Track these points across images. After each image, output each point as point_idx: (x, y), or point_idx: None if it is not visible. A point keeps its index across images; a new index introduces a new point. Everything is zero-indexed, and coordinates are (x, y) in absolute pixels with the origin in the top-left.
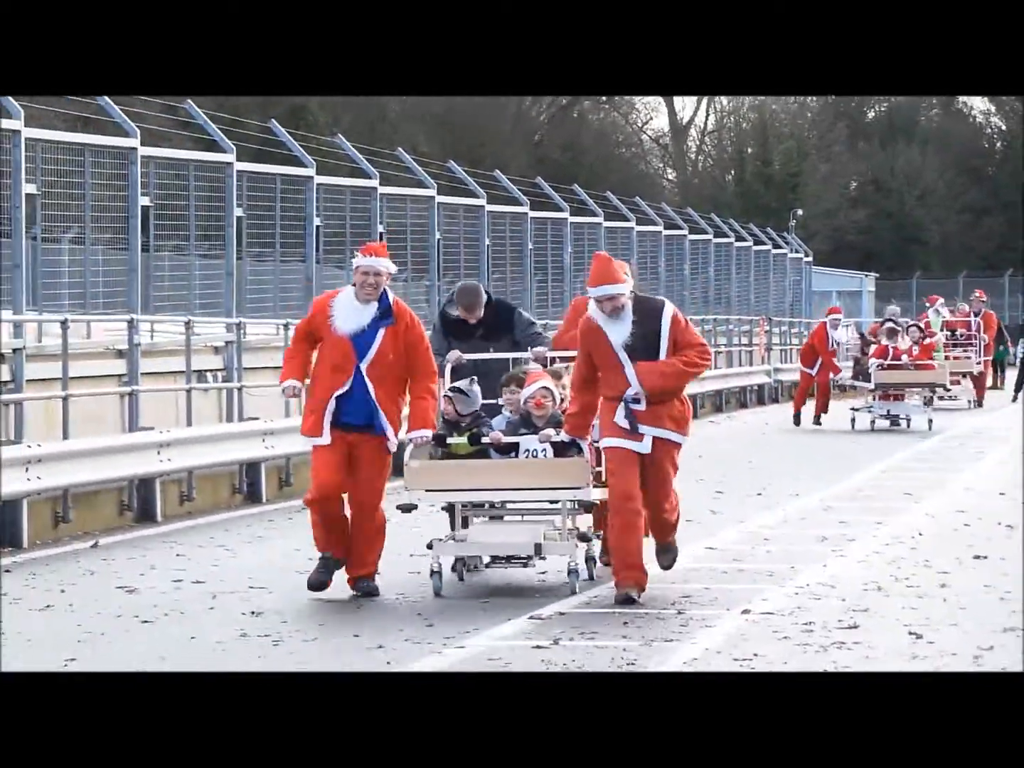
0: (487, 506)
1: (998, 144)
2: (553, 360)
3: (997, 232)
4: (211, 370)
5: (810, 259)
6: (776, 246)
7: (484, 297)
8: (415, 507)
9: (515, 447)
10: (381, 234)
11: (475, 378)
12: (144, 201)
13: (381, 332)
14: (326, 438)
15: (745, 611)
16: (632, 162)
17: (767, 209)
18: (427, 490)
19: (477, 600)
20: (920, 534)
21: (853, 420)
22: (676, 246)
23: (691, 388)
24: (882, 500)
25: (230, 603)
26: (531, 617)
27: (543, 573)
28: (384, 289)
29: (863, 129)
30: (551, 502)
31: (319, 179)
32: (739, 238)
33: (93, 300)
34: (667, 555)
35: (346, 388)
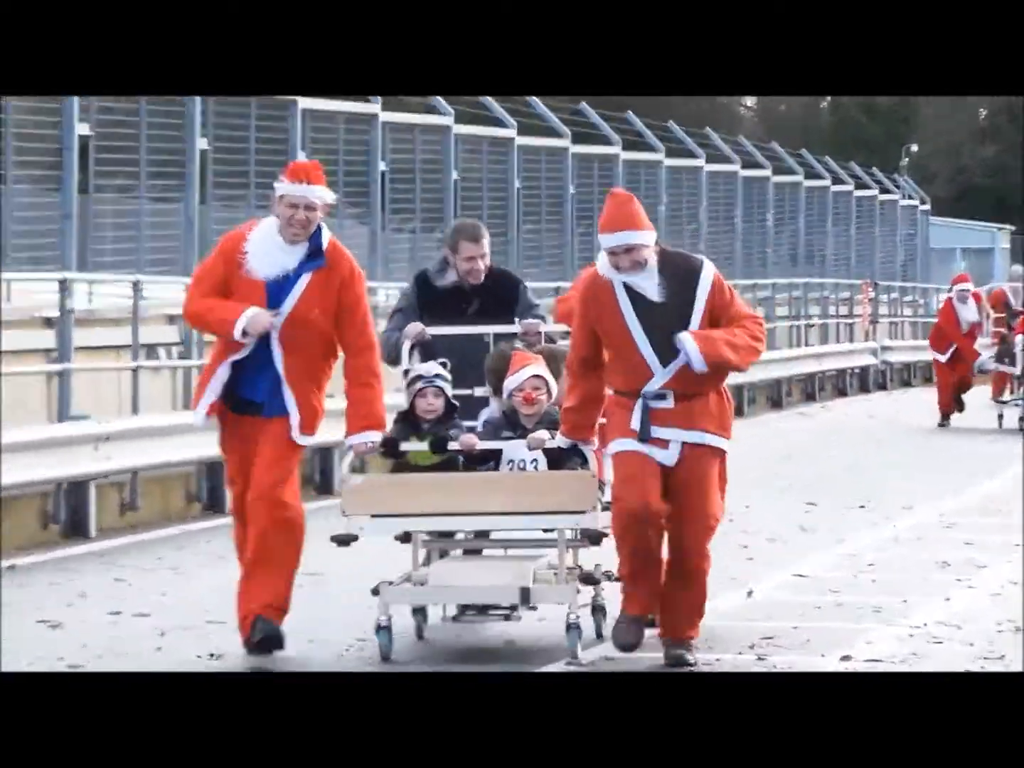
0: (457, 537)
1: None
2: (550, 338)
3: None
4: (164, 344)
5: (927, 207)
6: (884, 191)
7: (488, 240)
8: (355, 538)
9: (495, 456)
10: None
11: (446, 362)
12: (83, 130)
13: (306, 278)
14: (200, 417)
15: (845, 658)
16: None
17: (872, 144)
18: (373, 515)
19: (441, 666)
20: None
21: (1001, 417)
22: (757, 190)
23: (764, 371)
24: (1020, 515)
25: (182, 643)
26: None
27: (539, 622)
28: (319, 225)
29: None
30: (544, 531)
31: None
32: (836, 180)
33: (15, 254)
34: (676, 656)
35: (245, 352)
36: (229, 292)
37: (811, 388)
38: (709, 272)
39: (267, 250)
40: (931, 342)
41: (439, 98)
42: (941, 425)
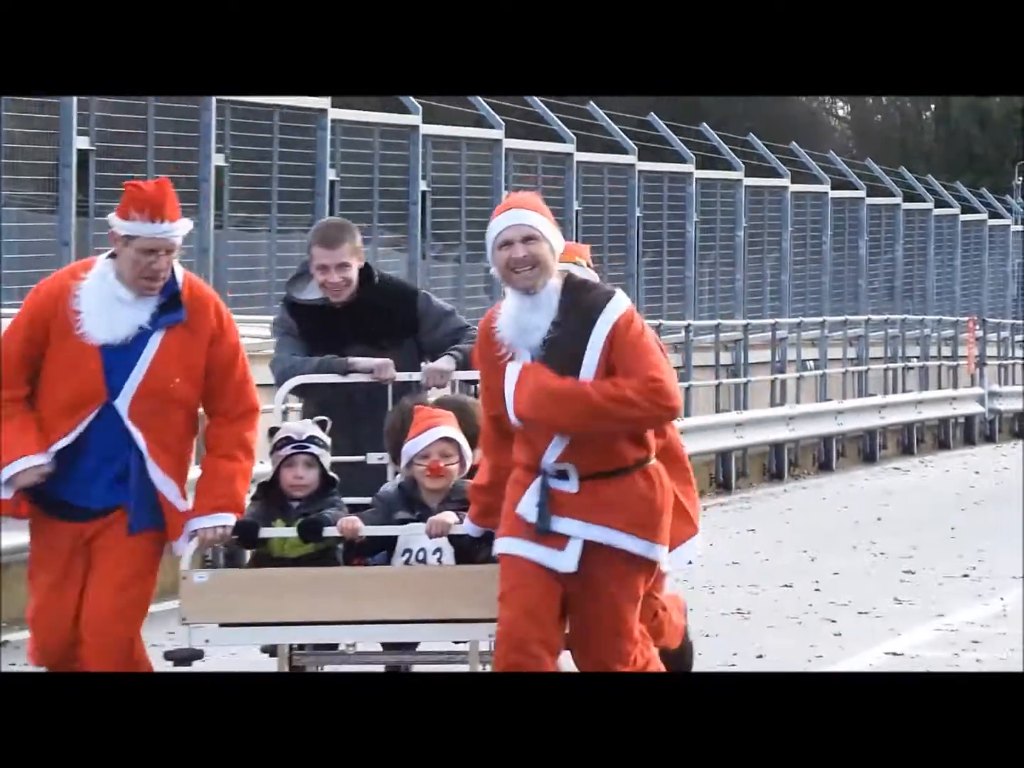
0: (340, 650)
1: None
2: (466, 385)
3: None
4: None
5: None
6: (994, 215)
7: (357, 242)
8: (200, 655)
9: (388, 544)
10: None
11: (325, 420)
12: (82, 143)
13: (158, 337)
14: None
15: None
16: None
17: (983, 161)
18: (223, 624)
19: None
20: None
21: None
22: (849, 213)
23: (856, 420)
24: None
25: None
26: None
27: None
28: (172, 270)
29: None
30: (455, 642)
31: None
32: (940, 203)
33: (7, 286)
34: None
35: (72, 437)
36: (50, 365)
37: (908, 440)
38: (616, 309)
39: (105, 306)
40: None
41: (488, 108)
42: None
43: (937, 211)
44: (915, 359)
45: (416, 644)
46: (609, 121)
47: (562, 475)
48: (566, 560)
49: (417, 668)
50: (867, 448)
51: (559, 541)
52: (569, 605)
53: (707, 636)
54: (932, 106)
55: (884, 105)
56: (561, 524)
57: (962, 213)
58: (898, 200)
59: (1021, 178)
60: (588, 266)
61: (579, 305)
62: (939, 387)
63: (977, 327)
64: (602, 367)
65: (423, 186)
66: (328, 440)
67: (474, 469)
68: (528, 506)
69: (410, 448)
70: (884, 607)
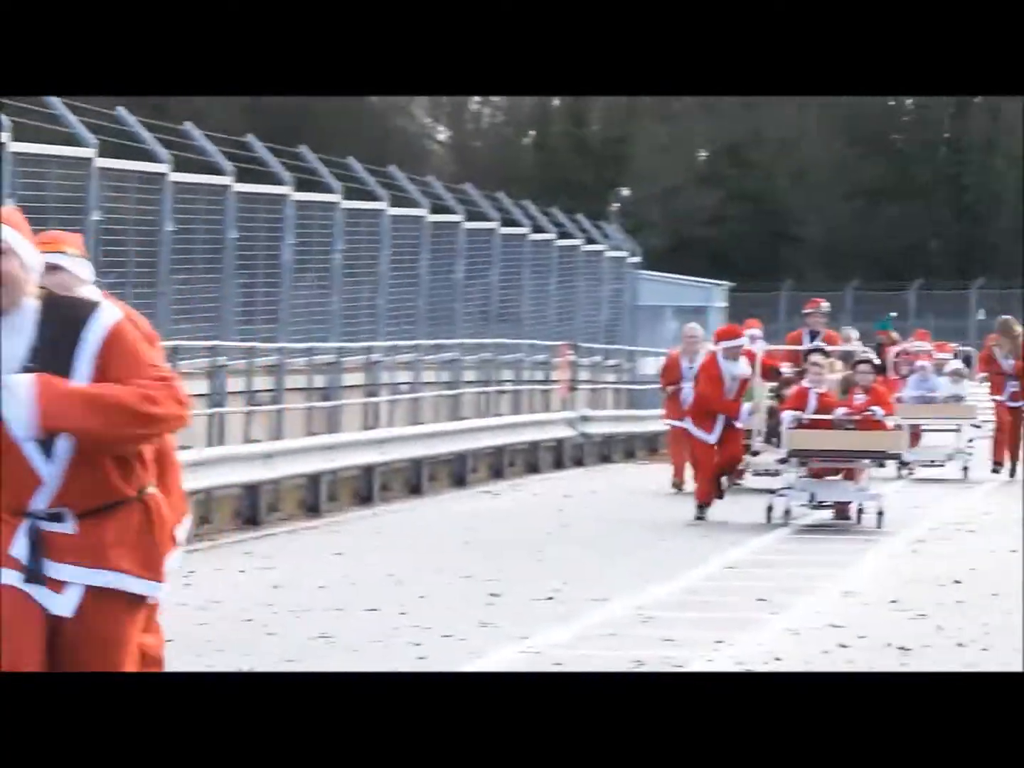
0: None
1: (908, 103)
2: None
3: (903, 226)
4: None
5: (637, 260)
6: (590, 241)
7: None
8: None
9: None
10: None
11: None
12: None
13: None
14: None
15: None
16: (387, 116)
17: (580, 187)
18: None
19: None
20: (777, 659)
21: (770, 509)
22: (446, 237)
23: (447, 443)
24: (726, 609)
25: None
26: None
27: None
28: None
29: None
30: None
31: None
32: (537, 228)
33: None
34: None
35: None
36: None
37: (499, 463)
38: (105, 320)
39: None
40: (691, 414)
41: (81, 126)
42: (699, 518)
43: (533, 236)
44: (508, 383)
45: None
46: (206, 142)
47: (56, 517)
48: (64, 604)
49: None
50: (458, 471)
51: (57, 585)
52: (60, 642)
53: (289, 661)
54: (531, 132)
55: (484, 131)
56: (62, 571)
57: (558, 238)
58: (495, 225)
59: (617, 204)
60: (72, 249)
61: (61, 322)
62: (531, 411)
63: (570, 352)
64: (98, 378)
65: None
66: None
67: None
68: (21, 549)
69: None
70: (468, 630)
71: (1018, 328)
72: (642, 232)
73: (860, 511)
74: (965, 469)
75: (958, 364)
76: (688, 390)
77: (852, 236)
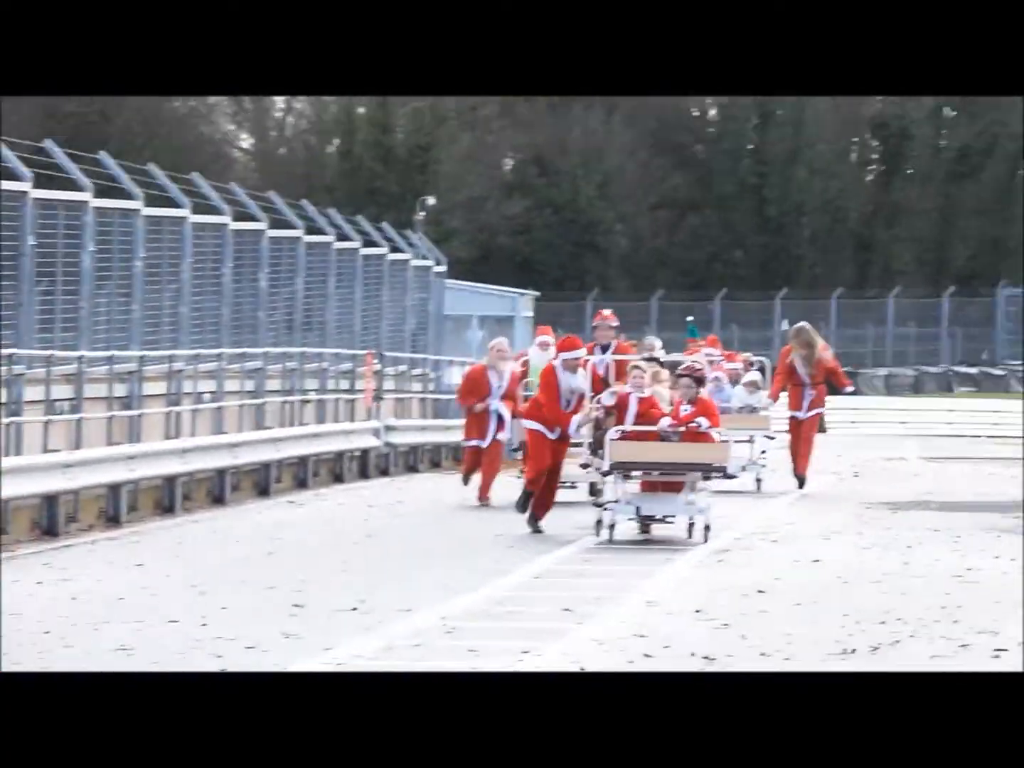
0: None
1: (712, 113)
2: None
3: (707, 237)
4: None
5: (443, 269)
6: (395, 249)
7: None
8: None
9: None
10: None
11: None
12: None
13: None
14: None
15: None
16: (190, 123)
17: (385, 196)
18: None
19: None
20: (582, 669)
21: (599, 523)
22: (250, 245)
23: (251, 453)
24: (531, 619)
25: None
26: None
27: None
28: None
29: None
30: None
31: None
32: (341, 236)
33: None
34: None
35: None
36: None
37: (304, 473)
38: None
39: None
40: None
41: None
42: (536, 531)
43: (338, 244)
44: (313, 392)
45: None
46: (2, 146)
47: None
48: None
49: None
50: (262, 481)
51: None
52: None
53: (87, 673)
54: (336, 140)
55: (288, 139)
56: None
57: (363, 247)
58: (300, 233)
59: (422, 213)
60: None
61: None
62: (336, 420)
63: (375, 361)
64: None
65: None
66: None
67: None
68: None
69: None
70: (271, 641)
71: (814, 336)
72: (448, 241)
73: (692, 525)
74: (758, 481)
75: (755, 375)
76: (496, 405)
77: (657, 246)
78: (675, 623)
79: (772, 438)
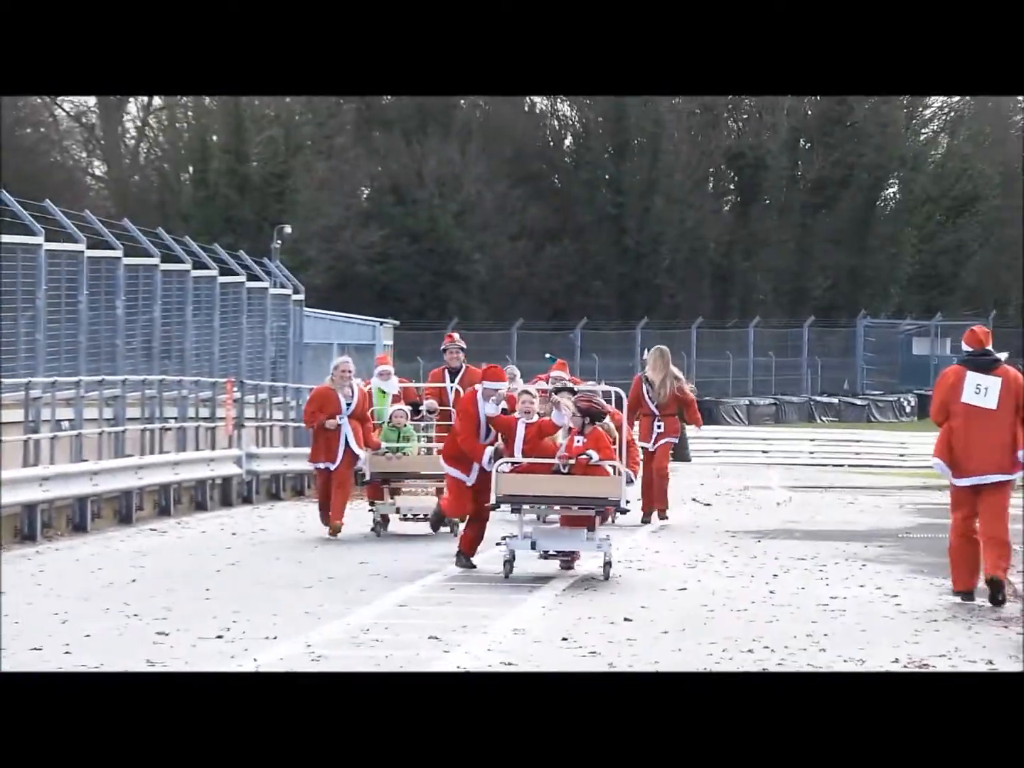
0: None
1: (567, 143)
2: None
3: (566, 266)
4: None
5: (301, 297)
6: (252, 277)
7: None
8: None
9: None
10: None
11: None
12: None
13: None
14: None
15: None
16: (39, 148)
17: (241, 224)
18: None
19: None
20: None
21: (508, 563)
22: (106, 273)
23: (111, 481)
24: (397, 647)
25: None
26: None
27: None
28: None
29: (379, 115)
30: None
31: None
32: (198, 264)
33: None
34: None
35: None
36: None
37: (165, 501)
38: None
39: None
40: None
41: None
42: (468, 567)
43: (195, 272)
44: (173, 420)
45: None
46: None
47: None
48: None
49: None
50: (124, 509)
51: None
52: None
53: None
54: (191, 168)
55: (142, 166)
56: None
57: (221, 275)
58: (156, 261)
59: (280, 241)
60: None
61: None
62: (197, 448)
63: (235, 388)
64: None
65: None
66: None
67: None
68: None
69: None
70: (136, 669)
71: (668, 362)
72: (305, 270)
73: (608, 563)
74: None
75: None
76: (345, 428)
77: (517, 275)
78: (542, 651)
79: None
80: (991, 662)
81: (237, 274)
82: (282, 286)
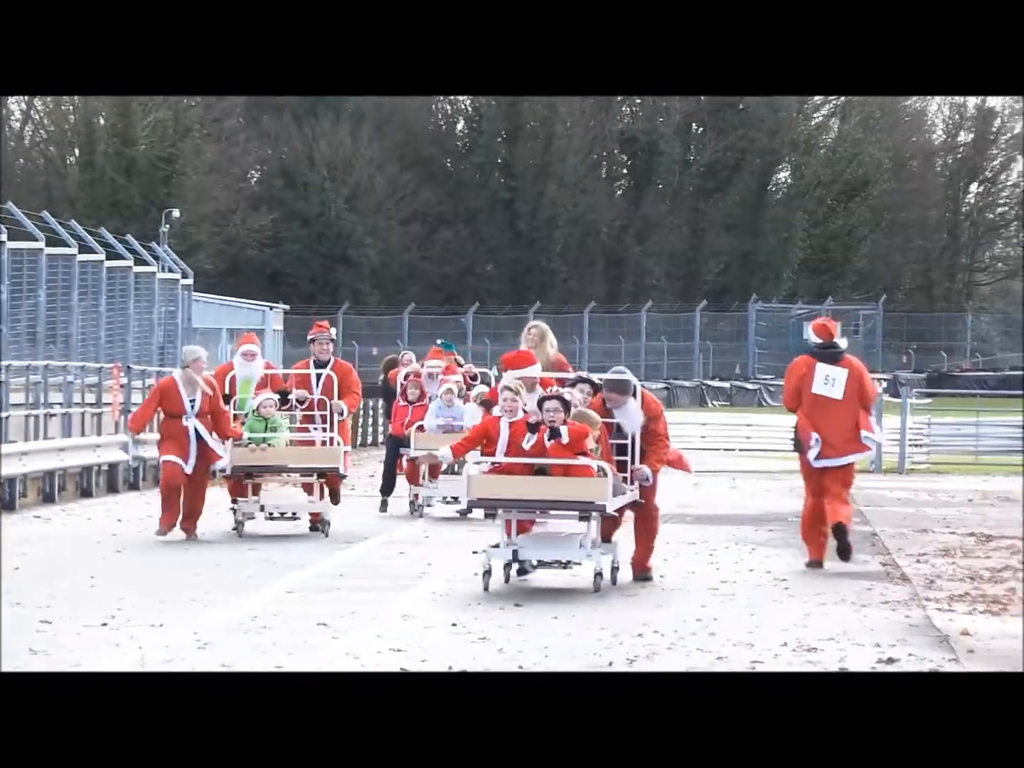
0: None
1: (460, 127)
2: None
3: (459, 251)
4: None
5: (189, 282)
6: (140, 261)
7: None
8: None
9: None
10: None
11: None
12: None
13: None
14: None
15: None
16: None
17: (128, 208)
18: None
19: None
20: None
21: (487, 574)
22: None
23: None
24: (286, 633)
25: None
26: None
27: None
28: None
29: (269, 98)
30: None
31: None
32: (85, 248)
33: None
34: None
35: None
36: None
37: (50, 487)
38: None
39: None
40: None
41: None
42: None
43: (81, 257)
44: (58, 405)
45: None
46: None
47: None
48: None
49: None
50: (7, 496)
51: None
52: None
53: None
54: (77, 151)
55: (27, 149)
56: None
57: (107, 259)
58: (41, 245)
59: (168, 225)
60: None
61: None
62: (83, 434)
63: (122, 374)
64: None
65: None
66: None
67: None
68: None
69: None
70: (18, 657)
71: (548, 337)
72: (195, 254)
73: (599, 574)
74: None
75: (484, 388)
76: (194, 423)
77: (409, 260)
78: (432, 637)
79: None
80: (878, 645)
81: (124, 258)
82: (170, 270)
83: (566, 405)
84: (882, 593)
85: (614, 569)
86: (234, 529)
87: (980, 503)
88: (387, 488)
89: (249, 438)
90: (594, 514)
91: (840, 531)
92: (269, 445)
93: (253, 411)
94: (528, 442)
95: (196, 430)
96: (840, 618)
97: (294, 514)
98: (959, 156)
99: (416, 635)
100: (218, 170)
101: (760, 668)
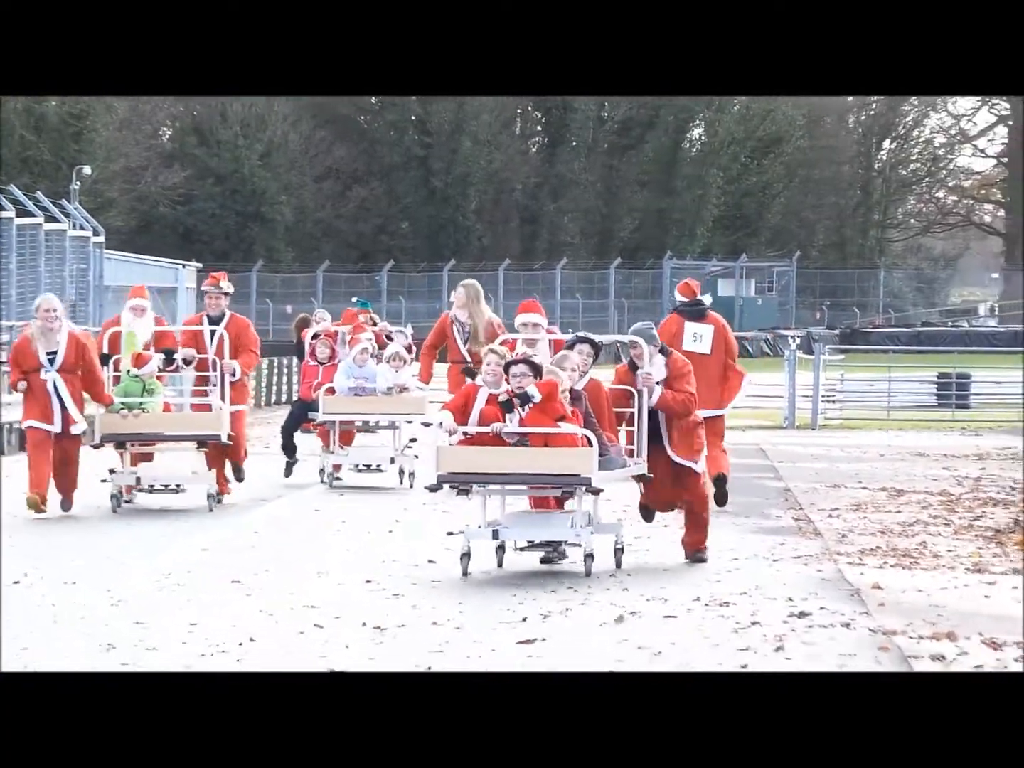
0: None
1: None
2: None
3: (373, 208)
4: None
5: (101, 239)
6: (51, 219)
7: None
8: None
9: None
10: None
11: None
12: None
13: None
14: None
15: None
16: None
17: (38, 164)
18: None
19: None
20: (252, 640)
21: (465, 557)
22: None
23: None
24: (199, 591)
25: None
26: None
27: None
28: None
29: None
30: None
31: None
32: None
33: None
34: None
35: None
36: None
37: None
38: None
39: None
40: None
41: None
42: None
43: None
44: None
45: None
46: None
47: None
48: None
49: None
50: None
51: None
52: None
53: None
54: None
55: None
56: None
57: (17, 216)
58: None
59: (78, 183)
60: None
61: None
62: None
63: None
64: None
65: None
66: None
67: None
68: None
69: None
70: None
71: (480, 297)
72: (106, 211)
73: (589, 556)
74: (410, 475)
75: (398, 348)
76: (54, 379)
77: (323, 218)
78: (346, 593)
79: (429, 424)
80: (791, 599)
81: (34, 215)
82: (81, 228)
83: (535, 369)
84: (794, 548)
85: (618, 550)
86: (112, 507)
87: (892, 458)
88: (289, 450)
89: (122, 403)
90: (580, 488)
91: (721, 481)
92: (144, 411)
93: (128, 371)
94: (512, 422)
95: (58, 392)
96: (753, 573)
97: (178, 486)
98: (872, 113)
99: (330, 591)
100: (129, 126)
101: (671, 623)
